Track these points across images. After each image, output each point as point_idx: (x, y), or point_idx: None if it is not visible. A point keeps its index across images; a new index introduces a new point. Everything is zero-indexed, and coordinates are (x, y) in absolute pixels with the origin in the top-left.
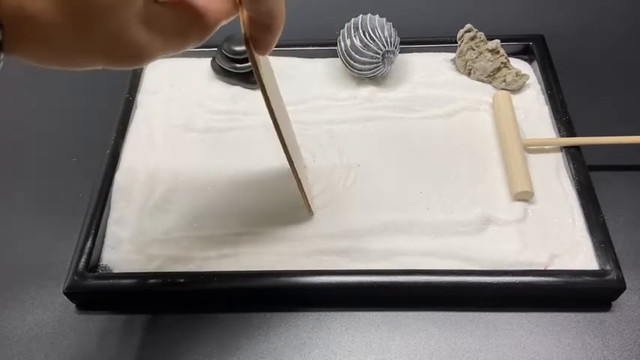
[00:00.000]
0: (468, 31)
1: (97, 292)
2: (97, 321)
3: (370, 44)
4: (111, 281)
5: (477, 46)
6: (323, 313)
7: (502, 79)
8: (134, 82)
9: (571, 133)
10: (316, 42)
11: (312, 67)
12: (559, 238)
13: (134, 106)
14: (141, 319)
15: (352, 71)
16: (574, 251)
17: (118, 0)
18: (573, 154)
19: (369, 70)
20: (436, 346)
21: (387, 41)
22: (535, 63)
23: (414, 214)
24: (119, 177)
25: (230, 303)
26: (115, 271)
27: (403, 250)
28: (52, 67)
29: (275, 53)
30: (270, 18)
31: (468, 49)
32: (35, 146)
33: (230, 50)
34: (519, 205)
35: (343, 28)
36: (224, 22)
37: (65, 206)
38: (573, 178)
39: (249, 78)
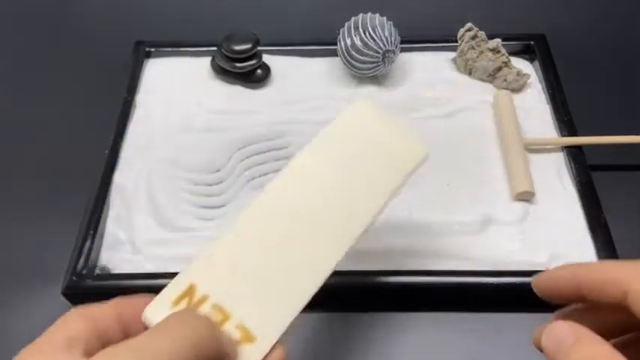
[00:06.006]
0: (469, 30)
1: (96, 293)
2: None
3: (370, 43)
4: (109, 282)
5: (478, 46)
6: (324, 313)
7: (503, 78)
8: (133, 81)
9: (572, 133)
10: (316, 42)
11: (312, 67)
12: (560, 239)
13: (133, 106)
14: None
15: (352, 71)
16: (575, 251)
17: None
18: (575, 154)
19: (370, 70)
20: (436, 346)
21: (387, 40)
22: (536, 62)
23: (415, 214)
24: (118, 177)
25: None
26: (114, 271)
27: (403, 250)
28: None
29: (275, 53)
30: None
31: (468, 49)
32: (34, 145)
33: (230, 50)
34: (520, 205)
35: (343, 27)
36: None
37: (64, 206)
38: (574, 178)
39: (249, 78)
